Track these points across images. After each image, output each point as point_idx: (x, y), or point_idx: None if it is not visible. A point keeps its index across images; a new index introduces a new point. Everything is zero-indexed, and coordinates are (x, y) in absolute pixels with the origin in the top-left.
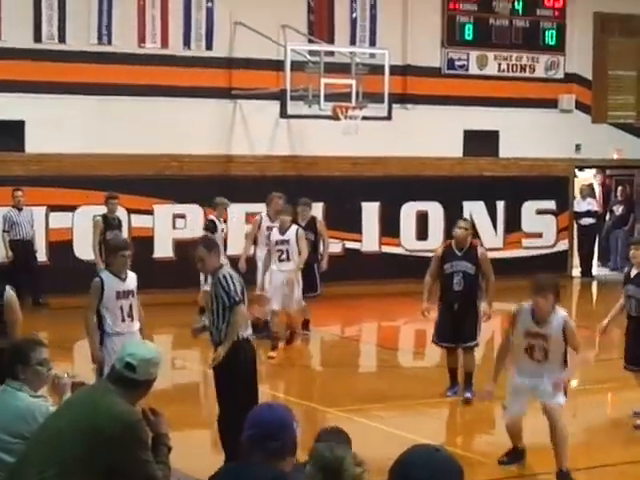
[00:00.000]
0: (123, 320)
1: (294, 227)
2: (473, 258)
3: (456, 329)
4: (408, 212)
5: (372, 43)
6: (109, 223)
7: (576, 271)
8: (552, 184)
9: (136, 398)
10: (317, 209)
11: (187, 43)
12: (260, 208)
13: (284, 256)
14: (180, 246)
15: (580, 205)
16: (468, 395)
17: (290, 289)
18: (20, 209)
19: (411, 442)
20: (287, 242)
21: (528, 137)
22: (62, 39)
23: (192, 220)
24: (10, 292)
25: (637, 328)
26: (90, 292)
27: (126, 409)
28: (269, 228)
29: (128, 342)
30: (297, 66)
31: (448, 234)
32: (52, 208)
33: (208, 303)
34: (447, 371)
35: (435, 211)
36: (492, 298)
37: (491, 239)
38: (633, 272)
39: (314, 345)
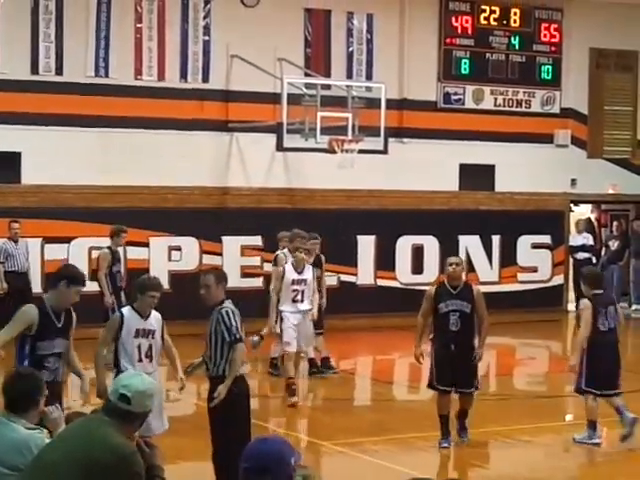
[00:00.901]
0: (140, 360)
1: (309, 266)
2: (469, 296)
3: (454, 372)
4: (404, 246)
5: (369, 77)
6: (115, 256)
7: (571, 305)
8: (547, 219)
9: (131, 430)
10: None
11: (184, 76)
12: (256, 241)
13: (299, 297)
14: (176, 278)
15: (575, 239)
16: (465, 440)
17: (306, 330)
18: (16, 241)
19: (406, 476)
20: (304, 282)
21: (524, 172)
22: (59, 71)
23: (188, 252)
24: None
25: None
26: (107, 326)
27: (121, 441)
28: (296, 282)
29: (122, 374)
30: (294, 99)
31: (443, 268)
32: (48, 240)
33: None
34: (438, 419)
35: (431, 245)
36: (485, 339)
37: (486, 273)
38: None
39: (305, 378)
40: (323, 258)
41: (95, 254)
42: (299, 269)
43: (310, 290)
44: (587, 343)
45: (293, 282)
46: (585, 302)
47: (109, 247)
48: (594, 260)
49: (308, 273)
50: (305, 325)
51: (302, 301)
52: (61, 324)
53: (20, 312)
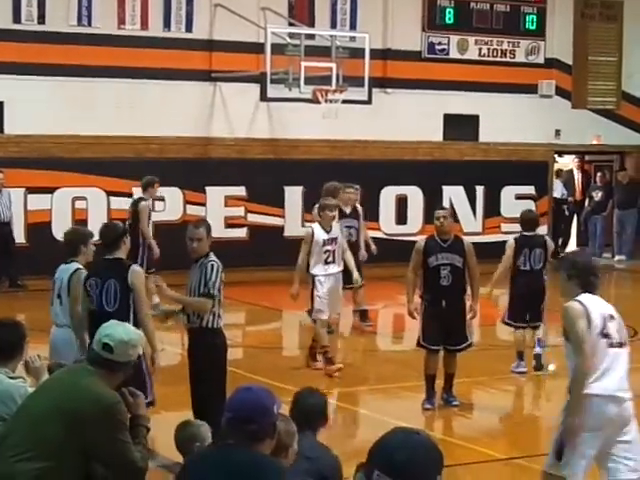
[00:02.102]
0: None
1: (336, 223)
2: (460, 250)
3: (445, 329)
4: (387, 196)
5: (353, 26)
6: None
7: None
8: (531, 169)
9: (115, 380)
10: (296, 192)
11: (167, 25)
12: (240, 191)
13: (330, 258)
14: (160, 229)
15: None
16: (455, 403)
17: (338, 294)
18: None
19: (391, 426)
20: (334, 241)
21: (508, 122)
22: (42, 20)
23: (171, 203)
24: None
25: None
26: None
27: (104, 391)
28: (327, 242)
29: (105, 324)
30: (277, 49)
31: (427, 219)
32: (31, 190)
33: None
34: (424, 379)
35: (414, 195)
36: (477, 294)
37: (470, 224)
38: None
39: (293, 329)
40: (361, 209)
41: (78, 203)
42: (327, 228)
43: (340, 249)
44: (510, 281)
45: (324, 243)
46: (510, 241)
47: (143, 198)
48: (566, 212)
49: (337, 231)
50: (337, 289)
51: (334, 262)
52: None
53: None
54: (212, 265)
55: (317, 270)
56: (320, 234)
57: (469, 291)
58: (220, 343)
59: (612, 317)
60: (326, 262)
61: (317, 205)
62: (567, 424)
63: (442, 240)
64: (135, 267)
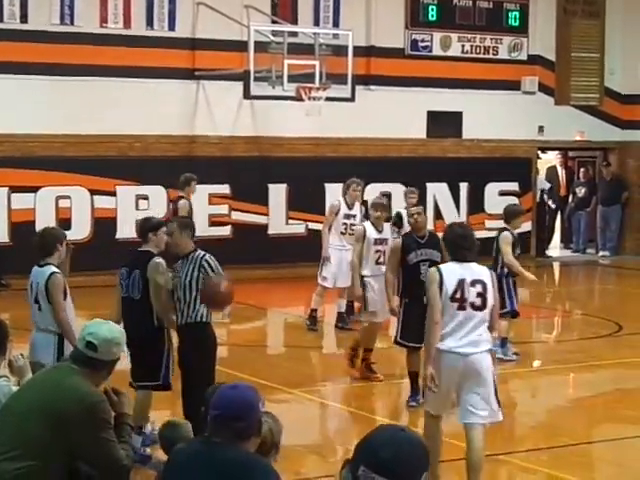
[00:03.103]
0: None
1: (387, 223)
2: (436, 245)
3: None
4: (372, 193)
5: (336, 24)
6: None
7: (553, 251)
8: (515, 165)
9: (99, 378)
10: (280, 190)
11: (150, 23)
12: (224, 189)
13: (382, 259)
14: None
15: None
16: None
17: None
18: None
19: (375, 423)
20: (385, 242)
21: (491, 119)
22: (24, 19)
23: (155, 201)
24: None
25: None
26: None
27: (89, 389)
28: (347, 216)
29: (89, 322)
30: (260, 47)
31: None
32: (14, 189)
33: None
34: (407, 375)
35: (398, 192)
36: None
37: (454, 220)
38: None
39: (278, 327)
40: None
41: (62, 202)
42: (379, 228)
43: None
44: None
45: (376, 242)
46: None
47: (182, 196)
48: (553, 206)
49: (388, 232)
50: (383, 291)
51: (383, 263)
52: None
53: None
54: (210, 257)
55: (367, 271)
56: (372, 233)
57: None
58: (213, 339)
59: (475, 283)
60: (377, 262)
61: (369, 204)
62: (423, 372)
63: (419, 237)
64: (154, 260)
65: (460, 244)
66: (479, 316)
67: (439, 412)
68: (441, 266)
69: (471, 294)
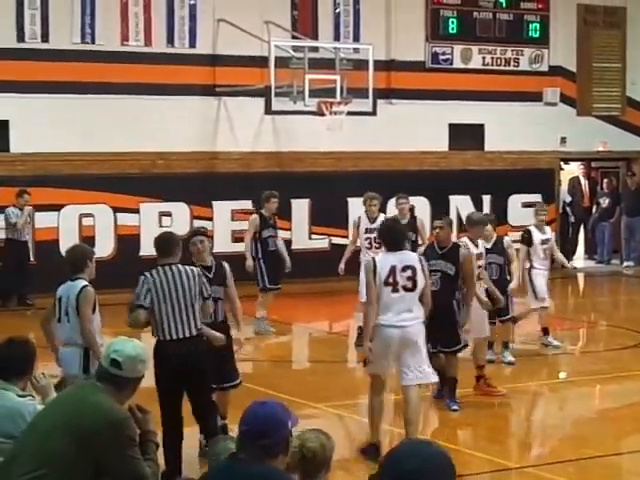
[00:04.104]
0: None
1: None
2: (454, 258)
3: (434, 332)
4: (393, 208)
5: (356, 38)
6: (267, 222)
7: (578, 262)
8: (538, 177)
9: (123, 396)
10: (303, 205)
11: (170, 41)
12: (246, 205)
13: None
14: None
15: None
16: (455, 407)
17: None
18: (21, 209)
19: (401, 437)
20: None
21: (513, 130)
22: (45, 38)
23: (178, 218)
24: None
25: None
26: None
27: (113, 407)
28: (368, 230)
29: (114, 340)
30: (281, 62)
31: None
32: (38, 208)
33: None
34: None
35: (422, 206)
36: (468, 307)
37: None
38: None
39: (302, 341)
40: (420, 221)
41: (86, 220)
42: (476, 242)
43: None
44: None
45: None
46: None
47: (260, 212)
48: (572, 219)
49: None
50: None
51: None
52: (211, 274)
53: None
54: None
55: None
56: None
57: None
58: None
59: (406, 268)
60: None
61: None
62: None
63: (439, 247)
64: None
65: (391, 236)
66: (411, 295)
67: (380, 373)
68: (375, 256)
69: (402, 278)
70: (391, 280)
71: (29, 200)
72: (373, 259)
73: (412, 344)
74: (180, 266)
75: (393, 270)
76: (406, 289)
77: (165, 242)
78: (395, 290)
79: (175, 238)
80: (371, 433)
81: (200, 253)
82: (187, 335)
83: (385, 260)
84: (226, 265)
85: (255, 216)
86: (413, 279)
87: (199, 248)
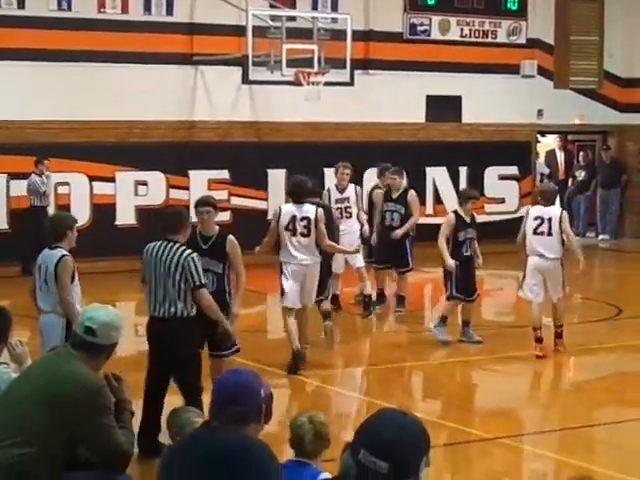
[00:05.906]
0: None
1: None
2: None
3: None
4: (371, 178)
5: (334, 8)
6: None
7: None
8: (514, 150)
9: (98, 363)
10: (280, 175)
11: (147, 8)
12: (223, 174)
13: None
14: (142, 213)
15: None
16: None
17: None
18: (41, 176)
19: (376, 407)
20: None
21: (490, 103)
22: (21, 5)
23: (154, 187)
24: None
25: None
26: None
27: (88, 375)
28: (339, 200)
29: (88, 307)
30: (259, 31)
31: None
32: (12, 176)
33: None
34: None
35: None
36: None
37: (454, 204)
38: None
39: (277, 311)
40: (412, 193)
41: (61, 189)
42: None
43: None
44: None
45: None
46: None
47: (377, 186)
48: None
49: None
50: None
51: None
52: (207, 246)
53: None
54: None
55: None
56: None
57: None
58: (200, 330)
59: (303, 219)
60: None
61: None
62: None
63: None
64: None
65: (295, 191)
66: (307, 240)
67: (293, 305)
68: (282, 206)
69: (300, 226)
70: (291, 227)
71: (48, 166)
72: (280, 207)
73: (313, 275)
74: (174, 246)
75: (293, 219)
76: (302, 235)
77: (165, 219)
78: (294, 235)
79: (178, 216)
80: (292, 344)
81: (204, 223)
82: (164, 315)
83: (288, 210)
84: (230, 238)
85: (380, 191)
86: (308, 227)
87: (203, 218)
